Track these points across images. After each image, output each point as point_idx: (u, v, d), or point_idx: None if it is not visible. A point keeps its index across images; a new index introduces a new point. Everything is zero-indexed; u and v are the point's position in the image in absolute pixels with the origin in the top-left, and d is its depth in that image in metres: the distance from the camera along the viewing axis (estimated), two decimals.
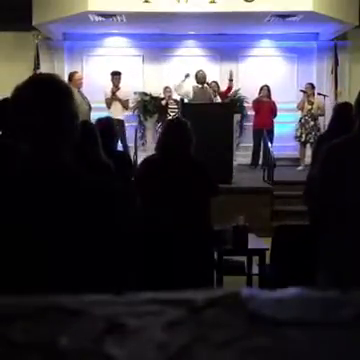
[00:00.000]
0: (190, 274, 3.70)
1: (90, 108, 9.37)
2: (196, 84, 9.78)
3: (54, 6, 10.14)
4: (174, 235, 3.74)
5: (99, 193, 1.55)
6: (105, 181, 1.62)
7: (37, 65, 11.26)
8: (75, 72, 9.86)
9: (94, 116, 8.95)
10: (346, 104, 5.52)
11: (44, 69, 11.33)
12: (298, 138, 10.83)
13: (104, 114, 9.46)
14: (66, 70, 12.03)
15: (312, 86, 11.04)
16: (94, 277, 1.49)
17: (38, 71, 11.01)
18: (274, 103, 10.95)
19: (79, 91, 9.39)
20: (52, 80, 1.63)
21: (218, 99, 10.09)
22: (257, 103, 10.94)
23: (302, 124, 10.76)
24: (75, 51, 12.21)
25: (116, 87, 10.41)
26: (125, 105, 10.52)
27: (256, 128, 10.95)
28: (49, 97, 1.57)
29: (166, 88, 11.15)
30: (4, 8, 10.75)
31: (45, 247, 1.47)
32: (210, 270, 4.13)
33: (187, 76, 9.68)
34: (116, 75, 10.47)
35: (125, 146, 10.14)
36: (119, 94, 10.39)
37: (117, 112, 10.16)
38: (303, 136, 10.69)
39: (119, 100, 10.35)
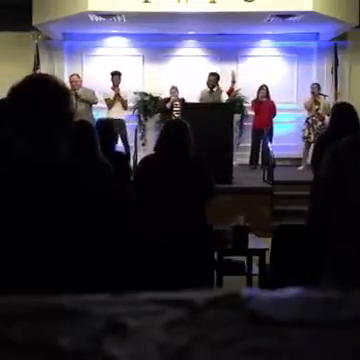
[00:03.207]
0: (190, 274, 3.70)
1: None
2: (205, 88, 9.89)
3: (54, 6, 10.13)
4: (172, 235, 3.75)
5: (98, 191, 1.55)
6: (104, 179, 1.63)
7: (37, 65, 11.26)
8: (72, 75, 10.25)
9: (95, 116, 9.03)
10: (346, 104, 5.53)
11: (44, 69, 11.34)
12: (306, 138, 10.79)
13: (104, 114, 9.53)
14: (66, 70, 12.04)
15: (318, 86, 11.04)
16: (93, 276, 1.49)
17: (38, 71, 11.02)
18: (273, 103, 10.94)
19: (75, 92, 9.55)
20: (49, 79, 1.64)
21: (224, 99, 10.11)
22: (256, 103, 10.94)
23: (310, 124, 10.72)
24: (75, 51, 12.21)
25: (116, 87, 10.43)
26: (125, 105, 10.54)
27: (255, 128, 10.94)
28: (47, 96, 1.57)
29: (172, 88, 10.88)
30: (4, 8, 10.75)
31: (41, 244, 1.47)
32: (210, 270, 4.13)
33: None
34: (116, 75, 10.48)
35: (127, 146, 10.16)
36: (121, 94, 10.41)
37: (118, 112, 10.18)
38: (311, 136, 10.64)
39: (120, 100, 10.37)
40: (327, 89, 11.89)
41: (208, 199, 4.06)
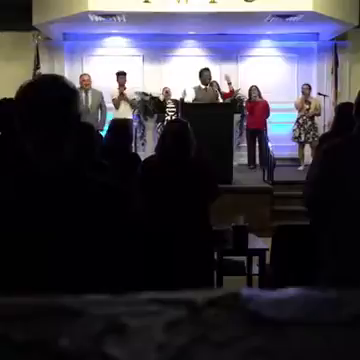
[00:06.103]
0: (191, 274, 3.70)
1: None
2: (200, 84, 9.65)
3: (54, 6, 10.13)
4: (174, 236, 3.74)
5: (103, 193, 1.56)
6: (109, 181, 1.63)
7: (37, 65, 11.26)
8: (82, 74, 10.34)
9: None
10: (347, 104, 5.49)
11: (44, 69, 11.34)
12: (297, 138, 10.83)
13: (111, 115, 9.54)
14: (66, 70, 12.04)
15: (309, 87, 11.10)
16: (96, 276, 1.49)
17: (38, 71, 11.03)
18: (267, 103, 10.93)
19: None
20: (58, 81, 1.61)
21: (220, 100, 10.02)
22: (250, 104, 10.94)
23: (300, 124, 10.79)
24: (75, 51, 12.21)
25: (122, 87, 10.39)
26: (133, 104, 10.55)
27: (250, 128, 10.95)
28: (56, 98, 1.55)
29: (165, 88, 11.15)
30: (4, 8, 10.75)
31: (48, 246, 1.47)
32: (210, 270, 4.13)
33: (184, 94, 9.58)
34: (122, 75, 10.44)
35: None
36: (126, 94, 10.39)
37: (125, 112, 10.17)
38: (302, 136, 10.71)
39: (127, 100, 10.35)
40: (327, 89, 11.89)
41: (213, 199, 4.00)
